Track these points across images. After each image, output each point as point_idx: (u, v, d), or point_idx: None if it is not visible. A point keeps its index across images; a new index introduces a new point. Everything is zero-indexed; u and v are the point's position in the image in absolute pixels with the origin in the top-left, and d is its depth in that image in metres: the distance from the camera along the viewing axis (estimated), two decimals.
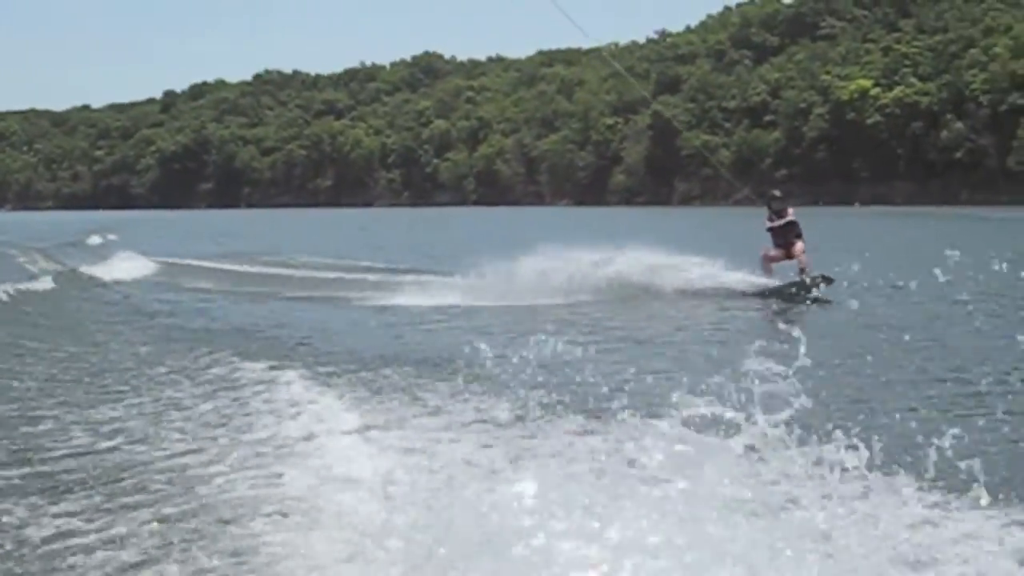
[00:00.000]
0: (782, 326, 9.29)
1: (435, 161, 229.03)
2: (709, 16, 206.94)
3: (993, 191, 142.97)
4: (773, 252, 28.63)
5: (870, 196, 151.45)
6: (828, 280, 26.86)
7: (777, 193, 30.80)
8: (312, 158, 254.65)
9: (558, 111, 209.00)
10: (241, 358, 18.02)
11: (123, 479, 10.59)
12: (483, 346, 12.10)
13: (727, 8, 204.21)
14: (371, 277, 36.99)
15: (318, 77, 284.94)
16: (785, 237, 28.46)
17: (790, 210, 28.98)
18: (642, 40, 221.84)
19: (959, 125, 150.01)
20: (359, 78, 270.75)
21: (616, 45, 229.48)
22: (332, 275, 38.42)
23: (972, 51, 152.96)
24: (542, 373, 11.65)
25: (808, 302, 25.68)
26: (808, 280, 26.99)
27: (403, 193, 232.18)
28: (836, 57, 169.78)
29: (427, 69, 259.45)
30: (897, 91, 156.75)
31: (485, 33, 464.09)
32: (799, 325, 16.18)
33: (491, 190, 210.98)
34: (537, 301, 27.09)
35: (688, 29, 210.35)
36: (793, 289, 27.09)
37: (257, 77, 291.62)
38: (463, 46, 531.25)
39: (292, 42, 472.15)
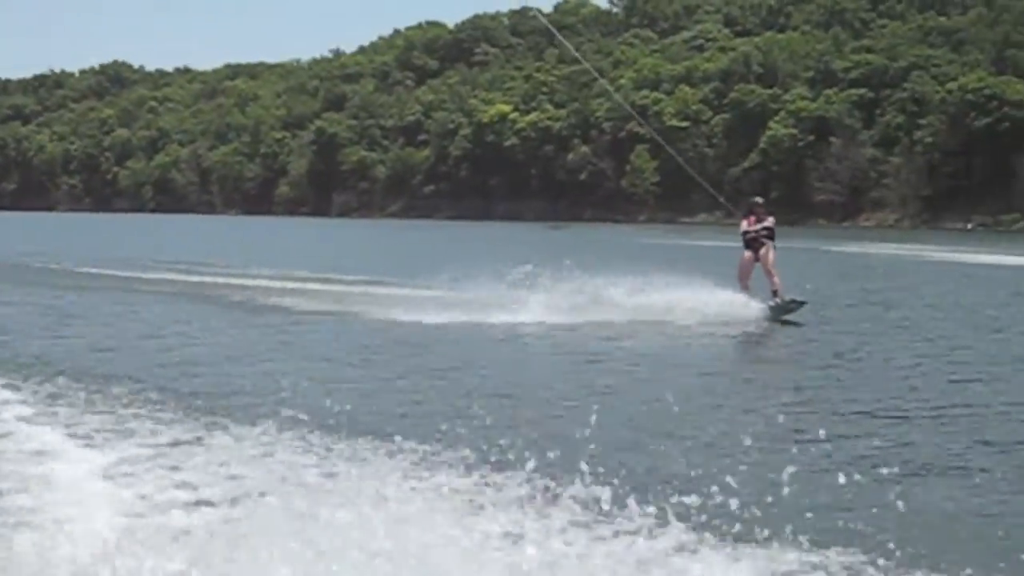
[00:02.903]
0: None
1: (115, 169, 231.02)
2: (381, 38, 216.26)
3: (611, 210, 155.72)
4: (746, 260, 28.01)
5: (506, 212, 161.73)
6: (800, 303, 27.17)
7: (759, 200, 29.89)
8: None
9: (232, 124, 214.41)
10: None
11: None
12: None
13: (396, 31, 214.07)
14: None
15: (7, 82, 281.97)
16: (760, 242, 27.79)
17: (770, 218, 28.41)
18: (319, 57, 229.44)
19: (584, 149, 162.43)
20: (48, 84, 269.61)
21: (298, 61, 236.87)
22: None
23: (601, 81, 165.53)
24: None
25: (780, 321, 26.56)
26: (783, 303, 27.04)
27: (84, 199, 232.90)
28: (484, 82, 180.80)
29: (115, 78, 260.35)
30: (533, 116, 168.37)
31: (178, 43, 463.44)
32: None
33: (167, 198, 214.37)
34: None
35: (360, 49, 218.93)
36: (771, 312, 26.90)
37: None
38: (155, 56, 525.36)
39: None
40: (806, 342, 23.56)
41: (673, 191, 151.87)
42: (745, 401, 15.87)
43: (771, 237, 27.91)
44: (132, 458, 11.60)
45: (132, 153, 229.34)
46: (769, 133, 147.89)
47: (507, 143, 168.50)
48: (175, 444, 12.27)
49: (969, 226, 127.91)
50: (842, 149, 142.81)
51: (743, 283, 27.77)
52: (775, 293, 27.12)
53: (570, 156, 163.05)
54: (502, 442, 10.05)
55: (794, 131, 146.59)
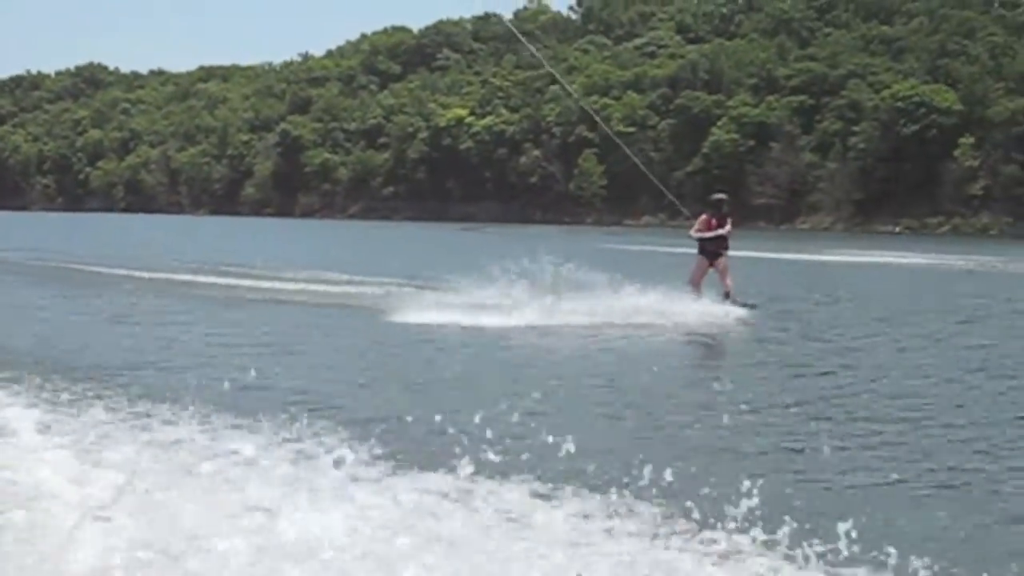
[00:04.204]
0: None
1: (88, 169, 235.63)
2: (348, 42, 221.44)
3: (560, 212, 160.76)
4: (699, 266, 27.48)
5: (462, 214, 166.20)
6: (751, 307, 26.75)
7: (724, 196, 28.81)
8: None
9: (201, 125, 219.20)
10: None
11: None
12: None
13: (363, 35, 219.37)
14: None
15: None
16: (717, 253, 27.19)
17: (728, 224, 27.46)
18: (288, 60, 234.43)
19: (535, 152, 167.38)
20: (24, 86, 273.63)
21: (270, 64, 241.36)
22: None
23: (553, 87, 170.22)
24: None
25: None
26: (738, 305, 26.56)
27: (57, 198, 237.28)
28: (444, 87, 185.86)
29: (90, 80, 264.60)
30: (488, 119, 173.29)
31: (154, 45, 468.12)
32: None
33: (137, 198, 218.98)
34: None
35: (328, 54, 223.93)
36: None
37: None
38: (131, 58, 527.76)
39: None
40: (763, 343, 23.09)
41: (619, 194, 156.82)
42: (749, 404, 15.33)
43: (726, 247, 27.28)
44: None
45: (104, 154, 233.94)
46: (712, 138, 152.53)
47: (463, 146, 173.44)
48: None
49: (897, 229, 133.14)
50: (781, 154, 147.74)
51: (695, 284, 27.26)
52: (727, 295, 26.77)
53: (522, 159, 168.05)
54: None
55: (736, 136, 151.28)
